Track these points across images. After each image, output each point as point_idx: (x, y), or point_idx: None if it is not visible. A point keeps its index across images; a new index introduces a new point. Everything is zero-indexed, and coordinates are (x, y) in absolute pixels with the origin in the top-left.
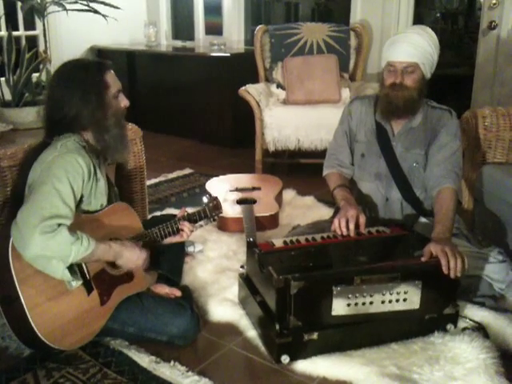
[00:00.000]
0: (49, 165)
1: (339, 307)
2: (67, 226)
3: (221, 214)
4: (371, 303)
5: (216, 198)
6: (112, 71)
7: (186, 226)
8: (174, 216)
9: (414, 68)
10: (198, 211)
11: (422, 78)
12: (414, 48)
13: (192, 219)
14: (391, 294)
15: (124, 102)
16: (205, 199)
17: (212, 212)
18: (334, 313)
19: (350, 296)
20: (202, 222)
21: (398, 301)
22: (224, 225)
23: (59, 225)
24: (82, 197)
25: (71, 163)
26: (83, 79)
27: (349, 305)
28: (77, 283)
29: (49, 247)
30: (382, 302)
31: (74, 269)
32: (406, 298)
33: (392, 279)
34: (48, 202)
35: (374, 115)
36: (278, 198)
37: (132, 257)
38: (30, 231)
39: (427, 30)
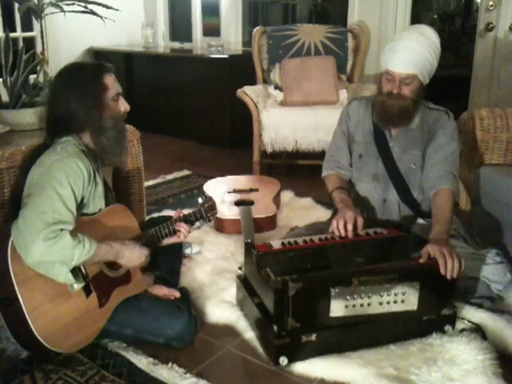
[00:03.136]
0: (48, 168)
1: (337, 308)
2: (69, 230)
3: (218, 216)
4: (369, 304)
5: (211, 198)
6: (112, 74)
7: (182, 226)
8: (171, 217)
9: (412, 79)
10: (193, 212)
11: (419, 87)
12: (414, 58)
13: (188, 220)
14: (389, 296)
15: (124, 105)
16: (200, 200)
17: (207, 213)
18: (332, 314)
19: (348, 297)
20: (198, 223)
21: (395, 302)
22: (222, 226)
23: (61, 230)
24: (82, 200)
25: (71, 167)
26: (81, 80)
27: (347, 306)
28: (78, 286)
29: (51, 253)
30: (380, 304)
31: (77, 272)
32: (404, 299)
33: (390, 280)
34: (50, 207)
35: (372, 116)
36: (276, 200)
37: (133, 254)
38: (33, 237)
39: (427, 35)
